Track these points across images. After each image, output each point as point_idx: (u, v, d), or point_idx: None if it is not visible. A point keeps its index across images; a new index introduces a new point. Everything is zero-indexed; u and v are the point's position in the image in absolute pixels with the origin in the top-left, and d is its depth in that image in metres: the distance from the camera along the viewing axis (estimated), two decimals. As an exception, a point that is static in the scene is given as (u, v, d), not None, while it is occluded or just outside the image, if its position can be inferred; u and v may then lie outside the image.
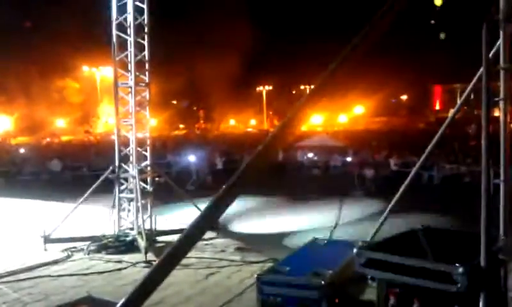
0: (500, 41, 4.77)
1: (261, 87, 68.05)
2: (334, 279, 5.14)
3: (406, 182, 6.16)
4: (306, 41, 56.28)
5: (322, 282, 4.94)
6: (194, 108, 67.63)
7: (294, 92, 68.16)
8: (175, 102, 63.52)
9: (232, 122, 66.74)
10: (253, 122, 66.72)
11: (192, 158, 25.05)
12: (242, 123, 65.76)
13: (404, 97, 70.08)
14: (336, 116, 61.97)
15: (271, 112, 66.95)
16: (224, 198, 1.78)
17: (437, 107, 65.63)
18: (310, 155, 27.52)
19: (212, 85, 57.58)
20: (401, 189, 6.24)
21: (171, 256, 1.85)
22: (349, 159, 25.63)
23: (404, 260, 3.48)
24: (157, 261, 1.82)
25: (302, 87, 63.04)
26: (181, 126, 62.38)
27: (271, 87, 67.83)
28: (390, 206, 6.26)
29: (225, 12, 52.60)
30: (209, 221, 1.82)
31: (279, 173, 24.13)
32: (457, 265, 3.26)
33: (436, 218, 12.48)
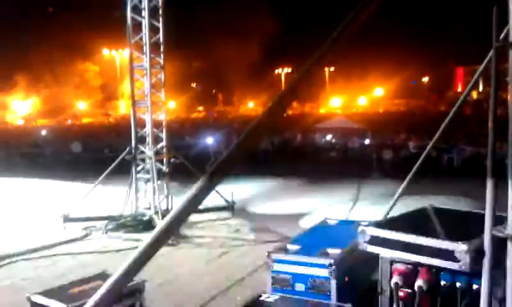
0: (510, 23, 4.72)
1: (280, 70, 67.75)
2: (343, 257, 5.19)
3: (418, 163, 6.15)
4: (326, 23, 55.67)
5: (332, 260, 5.00)
6: (214, 91, 67.76)
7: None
8: (194, 85, 63.71)
9: (251, 105, 66.70)
10: (272, 104, 66.47)
11: (210, 140, 25.19)
12: (261, 105, 65.71)
13: (425, 79, 69.01)
14: (355, 99, 61.45)
15: (290, 95, 66.59)
16: (209, 181, 1.84)
17: (459, 89, 64.55)
18: (329, 137, 27.41)
19: (231, 68, 57.56)
20: (413, 170, 6.23)
21: (159, 235, 1.93)
22: (367, 141, 25.47)
23: (408, 238, 3.51)
24: (146, 241, 1.90)
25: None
26: (200, 108, 62.59)
27: (289, 70, 67.48)
28: (401, 187, 6.27)
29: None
30: (195, 203, 1.88)
31: (297, 155, 24.17)
32: (459, 242, 3.28)
33: (454, 200, 12.38)
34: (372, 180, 17.52)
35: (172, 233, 1.95)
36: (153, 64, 9.46)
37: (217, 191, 11.25)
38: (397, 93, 62.36)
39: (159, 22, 9.40)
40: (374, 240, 3.73)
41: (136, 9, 9.24)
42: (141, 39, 9.34)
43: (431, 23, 53.57)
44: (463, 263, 3.26)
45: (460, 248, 3.28)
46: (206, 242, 8.28)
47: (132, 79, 9.56)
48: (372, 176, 18.64)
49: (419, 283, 3.51)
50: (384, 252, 3.71)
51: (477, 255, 3.21)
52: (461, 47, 54.54)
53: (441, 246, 3.37)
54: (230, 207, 10.36)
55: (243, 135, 1.84)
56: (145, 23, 9.23)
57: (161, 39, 9.47)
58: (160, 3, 9.27)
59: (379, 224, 3.89)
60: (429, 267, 3.49)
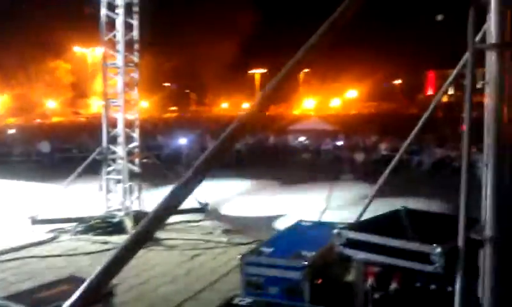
0: (487, 24, 4.76)
1: (254, 71, 67.78)
2: (316, 260, 5.17)
3: (391, 166, 6.18)
4: (300, 24, 55.97)
5: (305, 263, 4.97)
6: (187, 91, 67.35)
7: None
8: (167, 84, 63.21)
9: (225, 105, 66.54)
10: (245, 106, 66.53)
11: (183, 141, 24.99)
12: (235, 106, 65.59)
13: (397, 82, 70.01)
14: (328, 100, 61.91)
15: (263, 96, 66.66)
16: (191, 180, 1.77)
17: (429, 92, 65.69)
18: (302, 138, 27.52)
19: (205, 68, 57.31)
20: (385, 172, 6.25)
21: (137, 237, 1.84)
22: (340, 143, 25.66)
23: (382, 240, 3.50)
24: (123, 243, 1.81)
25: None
26: (172, 108, 62.10)
27: (264, 71, 67.58)
28: (374, 189, 6.28)
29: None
30: (175, 203, 1.81)
31: (270, 157, 24.18)
32: (434, 245, 3.29)
33: (423, 202, 12.55)
34: (344, 182, 17.65)
35: (152, 234, 1.88)
36: (127, 62, 9.30)
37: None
38: (369, 95, 63.10)
39: (133, 19, 9.25)
40: (350, 243, 3.72)
41: (110, 6, 9.08)
42: (114, 36, 9.17)
43: (404, 27, 54.33)
44: (438, 265, 3.26)
45: (435, 251, 3.29)
46: (178, 244, 8.17)
47: (104, 77, 9.39)
48: (345, 177, 18.78)
49: (394, 285, 3.51)
50: (360, 255, 3.70)
51: (451, 257, 3.21)
52: (432, 51, 55.50)
53: (416, 249, 3.38)
54: (202, 209, 10.26)
55: (225, 134, 1.79)
56: (120, 20, 9.07)
57: (136, 37, 9.32)
58: (135, 0, 9.12)
59: (354, 227, 3.88)
60: (404, 270, 3.49)
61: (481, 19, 5.00)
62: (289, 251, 5.41)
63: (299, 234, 6.25)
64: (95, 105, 51.82)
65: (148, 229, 1.83)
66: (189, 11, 55.03)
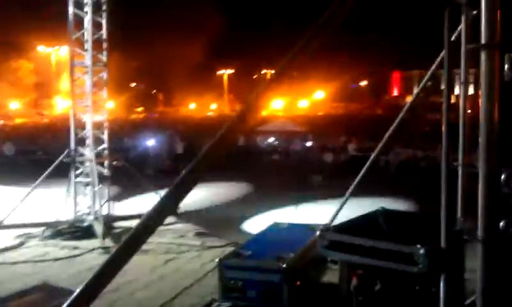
0: (461, 26, 4.82)
1: (222, 71, 67.59)
2: (295, 262, 5.13)
3: (366, 166, 6.20)
4: (267, 25, 56.16)
5: (284, 265, 4.92)
6: (154, 91, 66.65)
7: (255, 76, 68.04)
8: (133, 85, 62.40)
9: (193, 106, 66.12)
10: (213, 106, 66.29)
11: (150, 142, 24.66)
12: (203, 107, 65.24)
13: (363, 83, 71.02)
14: (296, 101, 62.27)
15: (232, 96, 66.67)
16: (184, 184, 1.69)
17: (395, 93, 66.88)
18: (271, 140, 27.56)
19: (172, 68, 56.82)
20: (361, 173, 6.27)
21: (130, 242, 1.75)
22: (309, 144, 25.80)
23: (366, 242, 3.48)
24: (116, 248, 1.71)
25: (263, 71, 62.90)
26: (139, 109, 61.30)
27: (232, 71, 67.47)
28: (349, 190, 6.29)
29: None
30: (169, 207, 1.73)
31: (240, 158, 24.09)
32: (418, 246, 3.29)
33: (392, 201, 12.70)
34: (314, 182, 17.75)
35: (141, 242, 1.78)
36: (95, 61, 9.08)
37: (159, 193, 10.97)
38: (337, 96, 63.79)
39: (102, 17, 9.03)
40: (333, 245, 3.68)
41: (78, 4, 8.84)
42: (83, 35, 8.94)
43: (370, 29, 55.12)
44: (422, 266, 3.26)
45: (418, 251, 3.28)
46: (150, 248, 7.96)
47: (72, 77, 9.13)
48: (315, 178, 18.89)
49: (378, 286, 3.50)
50: (344, 257, 3.67)
51: (435, 258, 3.21)
52: (397, 52, 56.50)
53: (399, 249, 3.36)
54: (175, 212, 10.08)
55: (214, 140, 1.72)
56: (88, 18, 8.84)
57: (104, 36, 9.10)
58: (103, -2, 8.92)
59: (337, 228, 3.85)
60: (388, 271, 3.47)
61: (458, 19, 5.05)
62: (267, 254, 5.36)
63: (276, 236, 6.20)
64: (59, 106, 50.69)
65: (141, 235, 1.74)
66: (156, 10, 54.49)
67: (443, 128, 3.87)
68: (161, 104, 66.57)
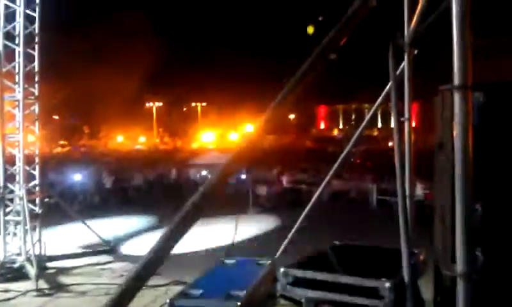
0: (404, 63, 5.05)
1: (151, 104, 66.76)
2: (248, 299, 5.04)
3: (313, 200, 6.30)
4: (197, 59, 56.38)
5: (238, 303, 4.81)
6: (78, 123, 64.50)
7: (184, 109, 67.74)
8: (56, 117, 60.06)
9: (120, 139, 64.56)
10: (142, 139, 65.06)
11: (77, 177, 23.72)
12: (130, 139, 63.84)
13: (292, 116, 72.64)
14: (227, 134, 62.55)
15: (160, 129, 65.83)
16: (188, 218, 1.62)
17: (321, 126, 68.87)
18: (204, 173, 27.33)
19: (98, 100, 55.43)
20: (308, 206, 6.35)
21: (133, 282, 1.63)
22: (242, 177, 25.80)
23: (331, 277, 3.48)
24: (118, 289, 1.59)
25: (193, 104, 62.82)
26: (62, 143, 58.92)
27: (161, 104, 66.79)
28: (297, 223, 6.34)
29: (116, 28, 51.18)
30: (172, 243, 1.65)
31: (172, 191, 23.65)
32: (383, 280, 3.32)
33: (326, 232, 12.89)
34: (249, 216, 17.71)
35: (153, 272, 1.66)
36: (26, 95, 8.66)
37: (94, 231, 10.50)
38: (267, 129, 64.52)
39: (34, 50, 8.68)
40: (298, 282, 3.65)
41: (9, 36, 8.46)
42: (14, 68, 8.53)
43: (295, 64, 56.73)
44: (388, 300, 3.29)
45: (384, 285, 3.31)
46: (88, 289, 7.60)
47: (1, 112, 8.64)
48: (249, 211, 18.87)
49: (342, 323, 3.49)
50: (309, 293, 3.64)
51: (400, 291, 3.26)
52: (322, 87, 58.42)
53: (364, 284, 3.38)
54: (109, 250, 9.73)
55: (225, 163, 1.66)
56: (20, 51, 8.46)
57: (36, 69, 8.74)
58: (37, 31, 8.57)
59: (301, 264, 3.82)
60: (354, 306, 3.48)
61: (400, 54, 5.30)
62: (218, 292, 5.22)
63: (225, 273, 6.07)
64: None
65: (146, 272, 1.63)
66: (82, 42, 53.27)
67: (396, 161, 3.98)
68: (86, 137, 64.46)
